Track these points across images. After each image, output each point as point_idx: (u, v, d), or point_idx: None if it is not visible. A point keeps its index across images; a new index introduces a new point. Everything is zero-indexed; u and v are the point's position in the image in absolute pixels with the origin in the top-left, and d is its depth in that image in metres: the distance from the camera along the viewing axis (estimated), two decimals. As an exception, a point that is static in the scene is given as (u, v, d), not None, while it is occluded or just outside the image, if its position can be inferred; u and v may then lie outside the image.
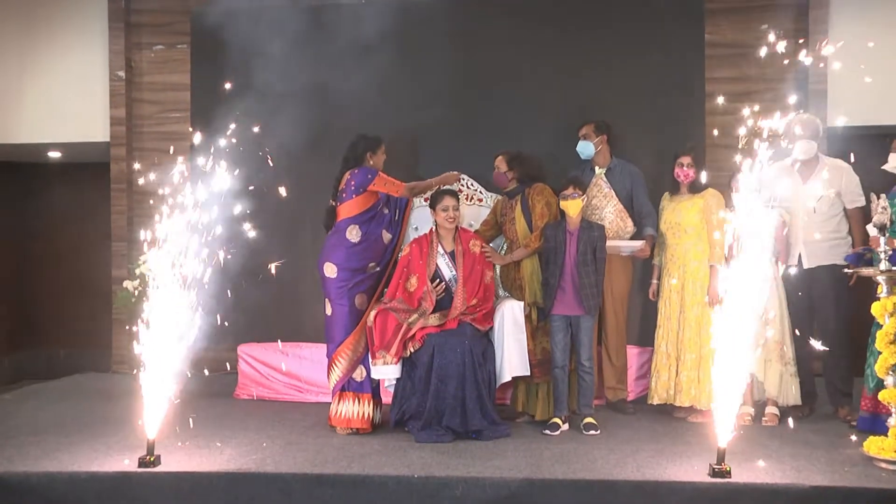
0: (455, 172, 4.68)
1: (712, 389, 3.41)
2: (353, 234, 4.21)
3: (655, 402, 4.37)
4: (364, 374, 4.15)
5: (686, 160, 4.32)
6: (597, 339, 4.55)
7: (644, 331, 4.80)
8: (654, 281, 4.51)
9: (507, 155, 4.44)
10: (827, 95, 5.30)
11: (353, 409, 4.09)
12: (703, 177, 4.17)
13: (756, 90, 5.35)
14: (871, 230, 3.86)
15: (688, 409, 4.27)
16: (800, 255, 4.28)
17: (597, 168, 4.61)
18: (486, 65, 5.26)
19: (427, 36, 5.27)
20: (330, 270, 4.18)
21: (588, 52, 5.23)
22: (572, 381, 4.16)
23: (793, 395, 4.22)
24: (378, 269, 4.32)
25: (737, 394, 3.25)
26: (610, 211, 4.52)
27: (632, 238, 4.56)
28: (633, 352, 4.78)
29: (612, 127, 4.70)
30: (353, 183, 4.21)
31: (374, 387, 4.18)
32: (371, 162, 4.30)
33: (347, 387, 4.14)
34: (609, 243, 4.36)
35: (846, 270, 3.88)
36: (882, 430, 3.71)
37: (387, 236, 4.38)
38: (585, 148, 4.60)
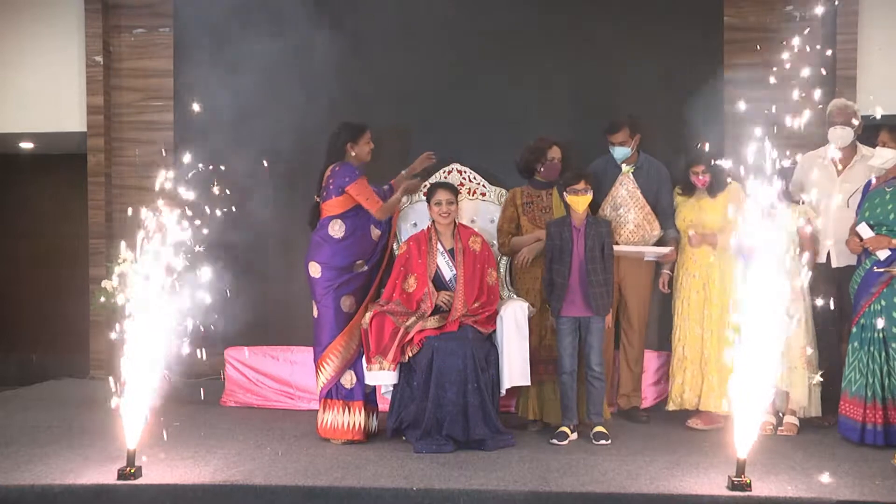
0: (418, 179, 4.61)
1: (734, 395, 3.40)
2: (337, 228, 4.15)
3: (671, 407, 4.39)
4: (354, 380, 4.13)
5: (699, 168, 4.33)
6: (615, 343, 4.57)
7: (661, 334, 4.81)
8: (667, 272, 4.49)
9: (562, 145, 4.49)
10: (857, 82, 5.30)
11: (342, 420, 4.07)
12: (724, 175, 4.22)
13: (779, 77, 5.35)
14: (864, 231, 3.86)
15: (705, 416, 4.27)
16: (828, 254, 4.28)
17: (624, 165, 4.54)
18: (487, 51, 5.25)
19: (424, 21, 5.26)
20: (314, 270, 4.16)
21: (596, 37, 5.19)
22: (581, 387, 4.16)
23: (815, 405, 4.23)
24: (366, 268, 4.27)
25: (759, 401, 3.25)
26: (636, 213, 4.42)
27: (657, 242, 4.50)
28: (648, 356, 4.78)
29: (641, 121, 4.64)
30: (332, 182, 4.15)
31: (369, 393, 4.18)
32: (353, 153, 4.21)
33: (335, 394, 4.12)
34: (630, 248, 4.36)
35: (878, 269, 3.88)
36: (872, 440, 3.78)
37: (375, 232, 4.32)
38: (623, 153, 4.53)
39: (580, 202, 4.09)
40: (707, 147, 4.36)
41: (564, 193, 4.13)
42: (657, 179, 4.55)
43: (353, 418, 4.08)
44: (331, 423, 4.10)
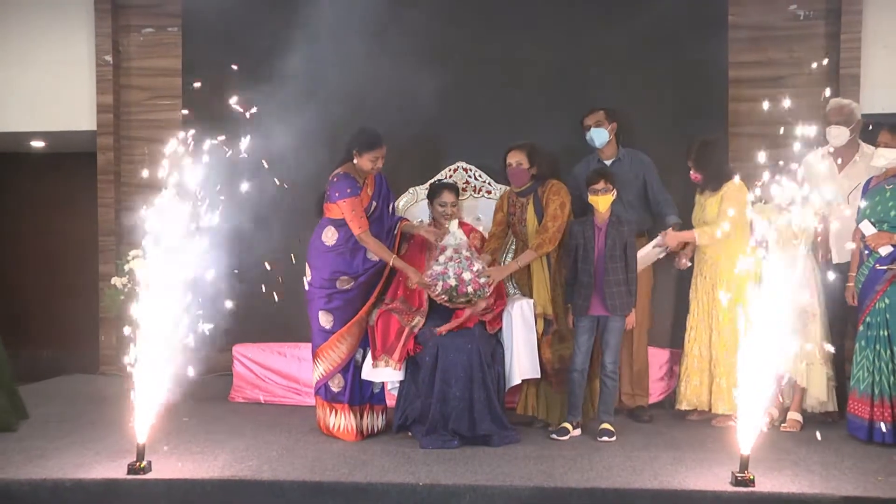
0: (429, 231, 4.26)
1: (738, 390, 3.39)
2: (329, 235, 4.06)
3: (684, 407, 4.36)
4: (342, 384, 4.08)
5: (690, 163, 4.35)
6: None
7: (662, 331, 4.80)
8: (683, 251, 4.41)
9: (527, 148, 4.21)
10: (860, 80, 5.27)
11: (331, 420, 4.06)
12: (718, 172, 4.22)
13: (782, 75, 5.34)
14: (867, 228, 3.85)
15: (720, 415, 4.26)
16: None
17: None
18: (493, 50, 5.23)
19: (433, 21, 5.26)
20: (307, 272, 4.12)
21: (601, 37, 5.16)
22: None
23: (833, 400, 4.22)
24: (349, 286, 4.06)
25: (764, 396, 3.24)
26: None
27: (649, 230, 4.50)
28: (654, 353, 4.75)
29: (624, 115, 4.64)
30: (329, 189, 4.05)
31: (377, 392, 4.17)
32: (354, 160, 4.04)
33: (324, 394, 4.10)
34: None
35: (880, 267, 3.86)
36: (880, 438, 3.76)
37: None
38: (600, 135, 4.51)
39: (600, 201, 4.03)
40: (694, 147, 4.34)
41: (588, 193, 4.07)
42: (640, 169, 4.54)
43: (339, 420, 4.05)
44: (322, 420, 4.11)
